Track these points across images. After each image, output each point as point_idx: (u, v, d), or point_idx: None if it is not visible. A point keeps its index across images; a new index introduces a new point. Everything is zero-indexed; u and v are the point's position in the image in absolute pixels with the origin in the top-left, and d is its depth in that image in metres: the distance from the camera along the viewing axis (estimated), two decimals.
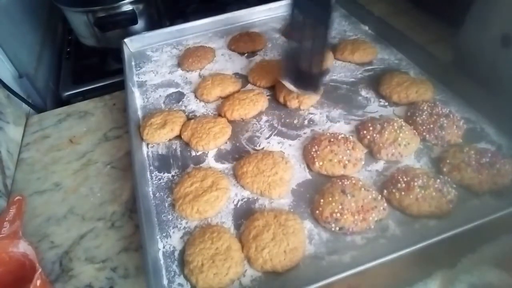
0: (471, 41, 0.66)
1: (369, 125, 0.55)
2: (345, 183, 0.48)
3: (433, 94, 0.61)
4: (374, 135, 0.54)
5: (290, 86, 0.60)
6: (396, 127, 0.53)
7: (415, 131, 0.55)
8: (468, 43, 0.67)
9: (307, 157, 0.54)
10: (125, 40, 0.82)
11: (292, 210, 0.49)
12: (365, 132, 0.55)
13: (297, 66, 0.58)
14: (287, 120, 0.62)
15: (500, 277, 0.38)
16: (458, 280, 0.39)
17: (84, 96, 0.88)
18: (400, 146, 0.52)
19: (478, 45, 0.64)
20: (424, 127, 0.55)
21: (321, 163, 0.52)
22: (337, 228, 0.45)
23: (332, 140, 0.53)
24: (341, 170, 0.51)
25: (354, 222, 0.44)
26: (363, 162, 0.52)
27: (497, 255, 0.41)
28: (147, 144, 0.61)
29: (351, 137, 0.55)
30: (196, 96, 0.69)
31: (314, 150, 0.53)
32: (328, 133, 0.56)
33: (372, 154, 0.54)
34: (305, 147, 0.56)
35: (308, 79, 0.59)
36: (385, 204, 0.47)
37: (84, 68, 0.96)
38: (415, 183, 0.47)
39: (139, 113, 0.68)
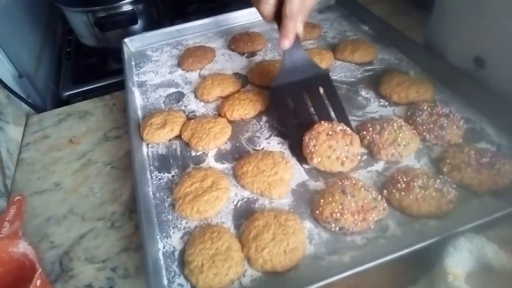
0: (447, 56, 0.67)
1: (369, 125, 0.55)
2: (345, 183, 0.48)
3: (433, 94, 0.61)
4: (374, 135, 0.54)
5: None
6: (395, 127, 0.53)
7: (415, 131, 0.55)
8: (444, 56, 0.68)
9: (305, 151, 0.53)
10: (125, 40, 0.82)
11: (292, 210, 0.49)
12: (364, 132, 0.55)
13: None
14: None
15: (496, 253, 0.39)
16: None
17: (84, 96, 0.88)
18: (399, 147, 0.52)
19: (453, 61, 0.65)
20: (424, 127, 0.55)
21: (319, 159, 0.51)
22: (337, 228, 0.45)
23: (330, 133, 0.52)
24: (339, 167, 0.51)
25: (354, 222, 0.44)
26: (359, 157, 0.52)
27: (503, 236, 0.41)
28: (147, 144, 0.61)
29: (348, 129, 0.54)
30: (196, 96, 0.69)
31: (312, 144, 0.52)
32: (325, 123, 0.54)
33: (372, 154, 0.54)
34: (303, 139, 0.54)
35: None
36: (385, 204, 0.47)
37: (84, 68, 0.96)
38: (415, 183, 0.47)
39: (139, 113, 0.68)
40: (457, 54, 0.64)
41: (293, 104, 0.57)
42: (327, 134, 0.53)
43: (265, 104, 0.64)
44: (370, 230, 0.45)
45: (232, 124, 0.62)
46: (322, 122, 0.54)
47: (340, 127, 0.54)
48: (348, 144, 0.52)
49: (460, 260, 0.39)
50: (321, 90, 0.58)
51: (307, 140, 0.53)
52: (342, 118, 0.57)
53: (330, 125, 0.54)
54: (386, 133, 0.53)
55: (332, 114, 0.57)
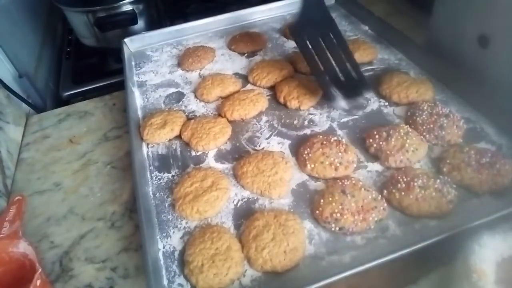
0: (445, 42, 0.67)
1: (375, 133, 0.54)
2: (345, 183, 0.48)
3: (433, 94, 0.61)
4: (381, 142, 0.53)
5: (343, 104, 0.60)
6: (402, 134, 0.53)
7: (422, 136, 0.54)
8: (442, 43, 0.68)
9: (299, 159, 0.54)
10: (125, 40, 0.82)
11: (292, 210, 0.49)
12: (371, 140, 0.54)
13: (337, 81, 0.59)
14: (287, 121, 0.62)
15: None
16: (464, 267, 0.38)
17: (84, 96, 0.88)
18: (408, 153, 0.51)
19: (454, 47, 0.65)
20: (424, 127, 0.55)
21: (312, 166, 0.52)
22: (337, 228, 0.45)
23: (324, 142, 0.53)
24: (332, 173, 0.51)
25: (354, 222, 0.44)
26: (355, 165, 0.52)
27: None
28: (147, 144, 0.61)
29: (343, 139, 0.55)
30: (196, 96, 0.69)
31: (306, 152, 0.53)
32: (320, 135, 0.56)
33: (380, 162, 0.53)
34: (297, 149, 0.56)
35: (354, 84, 0.60)
36: (385, 204, 0.47)
37: (84, 68, 0.96)
38: (415, 183, 0.47)
39: (139, 113, 0.68)
40: (462, 34, 0.63)
41: (310, 44, 0.60)
42: (321, 144, 0.53)
43: (265, 104, 0.64)
44: (370, 230, 0.45)
45: (232, 124, 0.62)
46: (316, 134, 0.56)
47: (335, 137, 0.55)
48: (342, 152, 0.52)
49: (486, 258, 0.38)
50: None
51: (301, 149, 0.54)
52: (350, 60, 0.60)
53: (324, 137, 0.55)
54: (393, 139, 0.52)
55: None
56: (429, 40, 0.71)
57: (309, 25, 0.61)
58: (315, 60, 0.60)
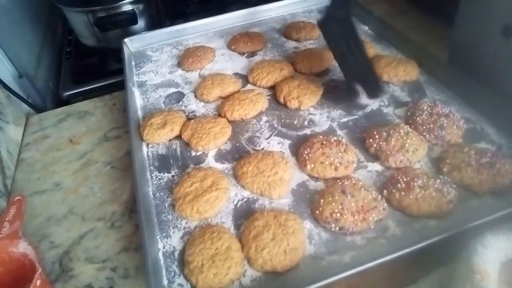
0: (468, 36, 0.66)
1: (375, 133, 0.54)
2: (345, 183, 0.48)
3: (418, 72, 0.65)
4: (381, 143, 0.53)
5: (365, 100, 0.60)
6: (402, 134, 0.53)
7: (422, 136, 0.54)
8: (465, 38, 0.67)
9: (299, 160, 0.54)
10: (125, 40, 0.82)
11: (292, 210, 0.49)
12: (371, 140, 0.54)
13: (363, 78, 0.59)
14: (287, 121, 0.62)
15: None
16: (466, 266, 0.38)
17: (84, 96, 0.88)
18: (408, 153, 0.51)
19: (476, 40, 0.65)
20: (424, 127, 0.55)
21: (312, 166, 0.52)
22: (337, 228, 0.45)
23: (324, 143, 0.53)
24: (332, 173, 0.51)
25: (354, 222, 0.44)
26: (355, 165, 0.52)
27: None
28: (147, 144, 0.61)
29: (343, 139, 0.55)
30: (196, 96, 0.69)
31: (306, 152, 0.53)
32: (320, 135, 0.56)
33: (380, 162, 0.53)
34: (298, 149, 0.56)
35: (371, 85, 0.59)
36: (385, 204, 0.47)
37: (84, 68, 0.96)
38: (415, 183, 0.47)
39: (139, 113, 0.68)
40: (486, 25, 0.62)
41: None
42: (321, 144, 0.53)
43: (265, 104, 0.64)
44: (370, 230, 0.45)
45: (232, 124, 0.62)
46: (317, 134, 0.56)
47: (335, 137, 0.55)
48: (342, 152, 0.52)
49: (489, 258, 0.37)
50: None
51: (301, 149, 0.54)
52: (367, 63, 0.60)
53: (324, 137, 0.55)
54: (393, 140, 0.52)
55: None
56: (454, 33, 0.70)
57: (334, 22, 0.61)
58: (344, 55, 0.60)
